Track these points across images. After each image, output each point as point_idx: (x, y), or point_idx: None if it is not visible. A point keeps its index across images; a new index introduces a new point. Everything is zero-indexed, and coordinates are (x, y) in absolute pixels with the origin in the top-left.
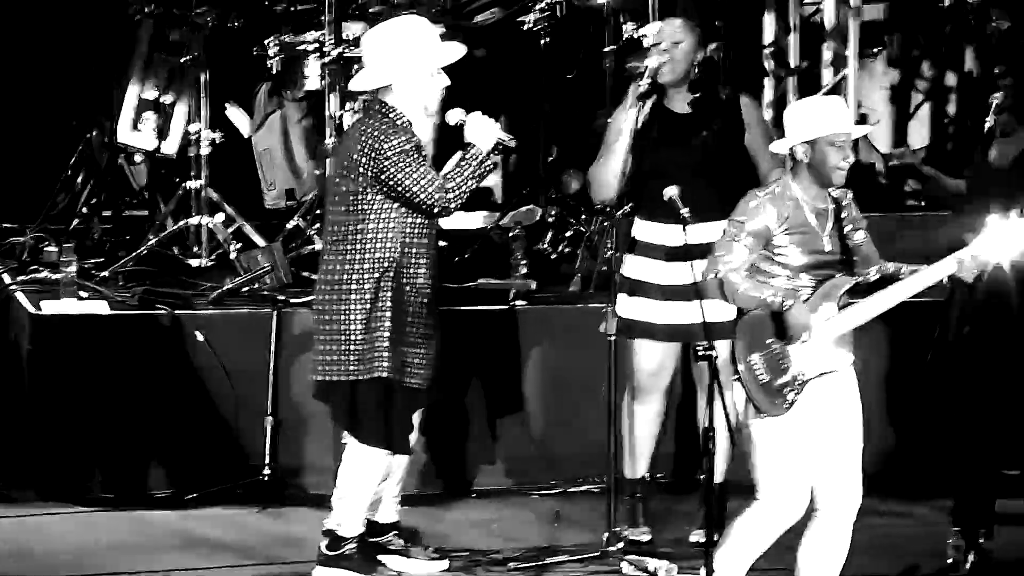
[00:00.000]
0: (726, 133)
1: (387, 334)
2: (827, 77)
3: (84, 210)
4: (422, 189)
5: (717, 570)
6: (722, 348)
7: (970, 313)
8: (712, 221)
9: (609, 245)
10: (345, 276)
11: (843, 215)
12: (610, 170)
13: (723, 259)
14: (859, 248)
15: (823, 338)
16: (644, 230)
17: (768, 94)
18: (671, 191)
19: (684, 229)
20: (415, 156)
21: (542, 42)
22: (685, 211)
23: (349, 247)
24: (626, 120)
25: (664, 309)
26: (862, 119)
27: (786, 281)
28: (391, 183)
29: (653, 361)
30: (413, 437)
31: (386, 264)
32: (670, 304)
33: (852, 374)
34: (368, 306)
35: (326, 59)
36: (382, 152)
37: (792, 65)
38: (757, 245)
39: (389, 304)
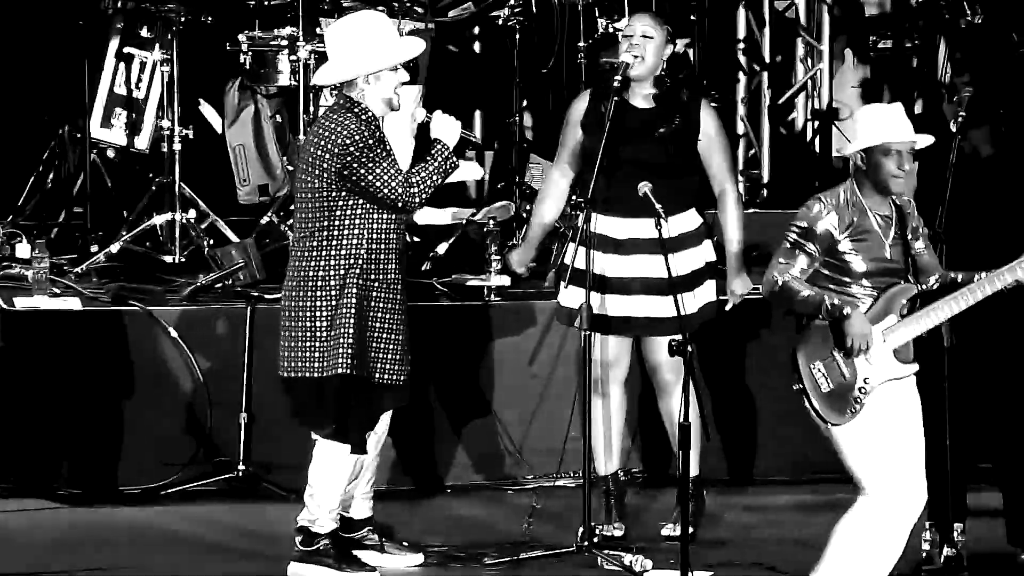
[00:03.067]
0: (684, 132)
1: (351, 331)
2: (800, 72)
3: (56, 206)
4: (385, 184)
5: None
6: (663, 343)
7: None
8: (673, 215)
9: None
10: (311, 272)
11: (906, 223)
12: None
13: (783, 265)
14: (920, 257)
15: (886, 347)
16: (599, 223)
17: (741, 89)
18: (645, 187)
19: (658, 223)
20: (378, 151)
21: (516, 36)
22: (659, 206)
23: (315, 243)
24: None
25: (617, 302)
26: (834, 114)
27: (848, 288)
28: (354, 178)
29: (608, 353)
30: (381, 433)
31: (352, 260)
32: (622, 297)
33: (914, 381)
34: (333, 303)
35: (298, 54)
36: (345, 148)
37: (766, 60)
38: (820, 251)
39: (354, 301)
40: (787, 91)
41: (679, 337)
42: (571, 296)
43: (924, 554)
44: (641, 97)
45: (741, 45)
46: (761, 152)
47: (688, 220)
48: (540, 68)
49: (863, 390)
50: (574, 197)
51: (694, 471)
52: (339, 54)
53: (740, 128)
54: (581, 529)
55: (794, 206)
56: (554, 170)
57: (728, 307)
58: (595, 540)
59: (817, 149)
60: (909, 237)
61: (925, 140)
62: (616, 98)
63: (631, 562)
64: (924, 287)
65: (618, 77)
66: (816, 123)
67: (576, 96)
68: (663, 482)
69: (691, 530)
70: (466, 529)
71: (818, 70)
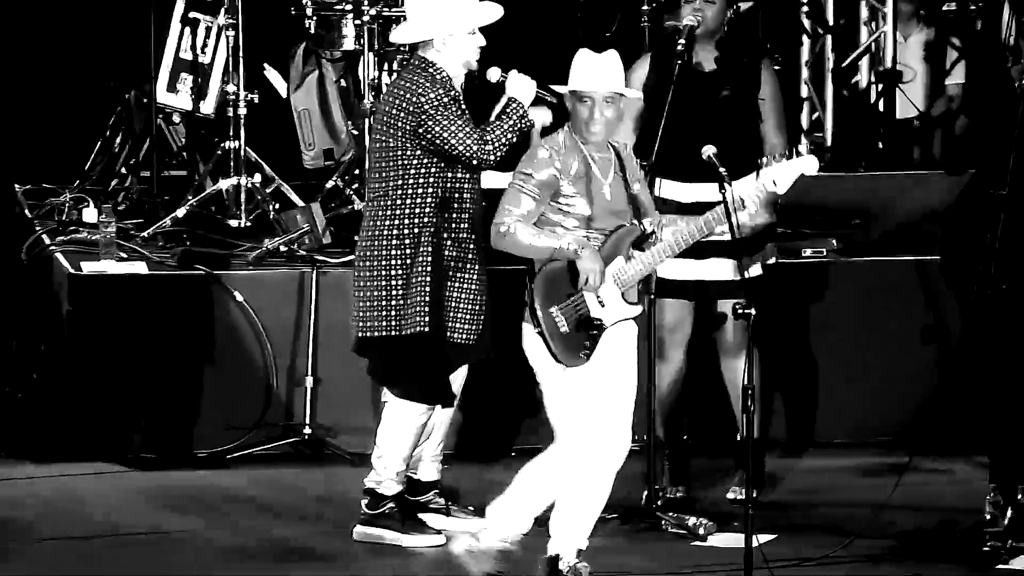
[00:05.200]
0: (742, 94)
1: (427, 289)
2: (864, 34)
3: (123, 171)
4: (460, 141)
5: (564, 530)
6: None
7: (1008, 268)
8: (737, 178)
9: None
10: (386, 232)
11: (624, 166)
12: None
13: (510, 210)
14: (637, 199)
15: (615, 288)
16: (664, 187)
17: (805, 52)
18: (709, 150)
19: (722, 187)
20: (453, 109)
21: (580, 0)
22: (723, 169)
23: (389, 202)
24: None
25: (679, 266)
26: (898, 77)
27: (575, 232)
28: (429, 136)
29: (670, 318)
30: (456, 390)
31: (426, 220)
32: (685, 261)
33: (634, 325)
34: (408, 261)
35: (363, 19)
36: (420, 105)
37: (829, 23)
38: (544, 196)
39: (430, 260)
40: (851, 54)
41: (743, 300)
42: None
43: (987, 516)
44: (704, 60)
45: (805, 8)
46: (825, 115)
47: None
48: (604, 32)
49: (597, 332)
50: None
51: (756, 434)
52: (418, 14)
53: (804, 91)
54: (645, 492)
55: (858, 170)
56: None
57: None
58: (658, 503)
59: (881, 112)
60: (628, 179)
61: (634, 93)
62: (680, 61)
63: (695, 524)
64: (644, 229)
65: (682, 40)
66: (880, 86)
67: (636, 61)
68: (724, 445)
69: (754, 493)
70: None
71: (882, 32)
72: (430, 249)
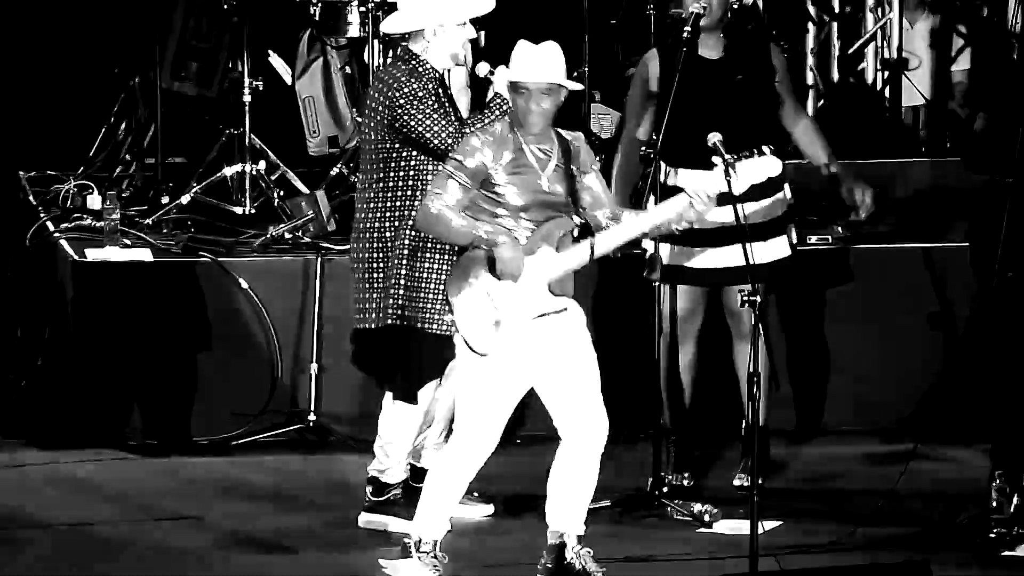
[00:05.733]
0: (756, 79)
1: (401, 282)
2: (870, 21)
3: (127, 157)
4: (435, 135)
5: (421, 511)
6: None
7: (1014, 256)
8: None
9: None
10: (368, 224)
11: (571, 157)
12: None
13: (438, 194)
14: (589, 191)
15: (537, 279)
16: (673, 175)
17: (811, 39)
18: (714, 137)
19: (727, 175)
20: (429, 102)
21: None
22: (729, 157)
23: (372, 195)
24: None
25: (692, 254)
26: (903, 64)
27: (506, 221)
28: (405, 130)
29: (684, 304)
30: (432, 385)
31: (405, 213)
32: (698, 249)
33: (578, 314)
34: (387, 254)
35: (368, 5)
36: (395, 99)
37: (835, 10)
38: (473, 184)
39: (406, 252)
40: (856, 41)
41: (749, 287)
42: (650, 246)
43: (993, 503)
44: (710, 48)
45: None
46: (830, 102)
47: (765, 167)
48: (609, 19)
49: (513, 322)
50: (643, 148)
51: (762, 421)
52: (409, 4)
53: (809, 78)
54: (651, 479)
55: (863, 157)
56: (627, 137)
57: (863, 216)
58: (664, 490)
59: (887, 99)
60: (576, 171)
61: (574, 85)
62: (685, 49)
63: (700, 511)
64: (592, 223)
65: (687, 28)
66: (886, 73)
67: (646, 52)
68: (731, 432)
69: (760, 480)
70: (537, 479)
71: (888, 19)
72: (407, 243)
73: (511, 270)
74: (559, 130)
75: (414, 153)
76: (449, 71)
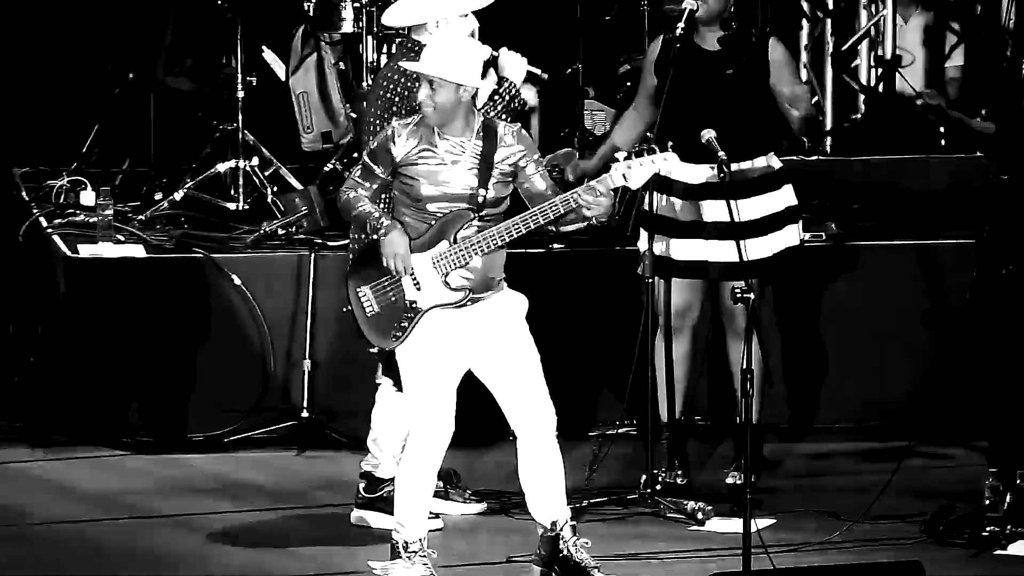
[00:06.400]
0: (753, 72)
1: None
2: (864, 18)
3: (121, 153)
4: None
5: (398, 514)
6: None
7: (1010, 252)
8: (741, 161)
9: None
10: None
11: (496, 150)
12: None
13: (352, 181)
14: (528, 183)
15: (436, 272)
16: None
17: (804, 36)
18: (708, 133)
19: (720, 170)
20: None
21: None
22: (722, 153)
23: None
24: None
25: (687, 247)
26: (897, 61)
27: (417, 212)
28: None
29: (680, 300)
30: None
31: None
32: (691, 242)
33: (514, 303)
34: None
35: (362, 1)
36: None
37: (829, 6)
38: (385, 172)
39: None
40: (850, 38)
41: (743, 284)
42: (643, 242)
43: (987, 501)
44: (708, 41)
45: None
46: (824, 100)
47: (763, 163)
48: (603, 15)
49: (408, 315)
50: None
51: (755, 418)
52: None
53: (803, 75)
54: (644, 476)
55: (857, 154)
56: (632, 109)
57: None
58: (657, 487)
59: (881, 96)
60: (505, 163)
61: (470, 81)
62: (679, 44)
63: (693, 509)
64: (504, 216)
65: (681, 24)
66: (880, 70)
67: (651, 44)
68: (725, 430)
69: (753, 478)
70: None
71: (882, 16)
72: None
73: (395, 264)
74: (494, 121)
75: None
76: None
